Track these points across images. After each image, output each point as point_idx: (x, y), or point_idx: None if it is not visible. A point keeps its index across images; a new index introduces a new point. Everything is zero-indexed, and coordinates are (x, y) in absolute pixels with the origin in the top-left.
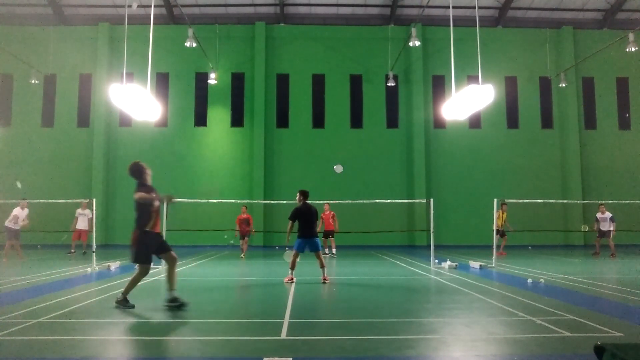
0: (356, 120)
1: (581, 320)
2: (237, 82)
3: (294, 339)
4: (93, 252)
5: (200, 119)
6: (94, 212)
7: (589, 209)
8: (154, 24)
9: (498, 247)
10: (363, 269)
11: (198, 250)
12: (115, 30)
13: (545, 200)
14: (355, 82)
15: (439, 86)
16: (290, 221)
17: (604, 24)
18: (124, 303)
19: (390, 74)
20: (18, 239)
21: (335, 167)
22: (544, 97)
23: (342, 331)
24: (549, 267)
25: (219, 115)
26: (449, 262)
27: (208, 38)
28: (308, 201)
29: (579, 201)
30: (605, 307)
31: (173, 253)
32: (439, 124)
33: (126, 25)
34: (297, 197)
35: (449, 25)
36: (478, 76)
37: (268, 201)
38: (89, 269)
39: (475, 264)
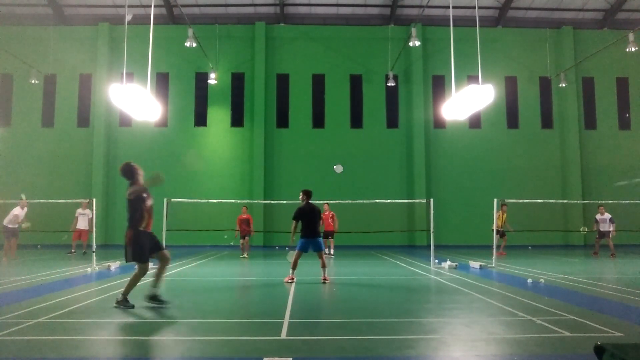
0: (356, 120)
1: (581, 320)
2: (237, 82)
3: (294, 339)
4: (93, 252)
5: (200, 119)
6: (94, 212)
7: (589, 209)
8: (154, 24)
9: (498, 247)
10: (363, 269)
11: (198, 250)
12: (115, 30)
13: (545, 200)
14: (355, 82)
15: (439, 86)
16: (294, 221)
17: (604, 24)
18: (124, 303)
19: (390, 74)
20: (17, 238)
21: (335, 167)
22: (544, 97)
23: (342, 331)
24: (549, 267)
25: (219, 115)
26: (449, 262)
27: (208, 38)
28: (311, 201)
29: (579, 201)
30: (605, 307)
31: (166, 252)
32: (439, 124)
33: (126, 25)
34: (301, 197)
35: (449, 25)
36: (478, 76)
37: (268, 201)
38: (89, 269)
39: (475, 264)
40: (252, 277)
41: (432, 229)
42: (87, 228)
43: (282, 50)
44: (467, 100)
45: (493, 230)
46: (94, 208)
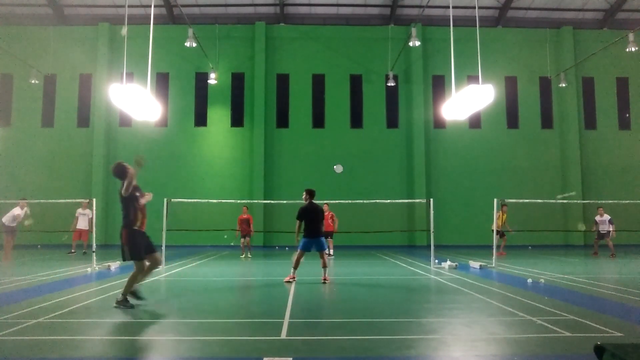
0: (356, 120)
1: (581, 320)
2: (237, 82)
3: (294, 339)
4: (93, 252)
5: (200, 119)
6: (94, 212)
7: (589, 209)
8: (154, 24)
9: (498, 247)
10: (363, 269)
11: (198, 250)
12: (115, 30)
13: (545, 200)
14: (355, 82)
15: (439, 86)
16: (298, 221)
17: (604, 24)
18: (124, 303)
19: (390, 74)
20: (14, 236)
21: (335, 167)
22: (544, 97)
23: (342, 331)
24: (549, 267)
25: (219, 115)
26: (449, 262)
27: (208, 38)
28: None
29: (579, 201)
30: (605, 307)
31: (158, 255)
32: (439, 124)
33: (126, 25)
34: (304, 196)
35: (449, 25)
36: (478, 76)
37: (268, 201)
38: (89, 269)
39: (475, 264)
40: (252, 277)
41: (432, 229)
42: (87, 228)
43: (282, 50)
44: (467, 100)
45: (493, 230)
46: (94, 208)
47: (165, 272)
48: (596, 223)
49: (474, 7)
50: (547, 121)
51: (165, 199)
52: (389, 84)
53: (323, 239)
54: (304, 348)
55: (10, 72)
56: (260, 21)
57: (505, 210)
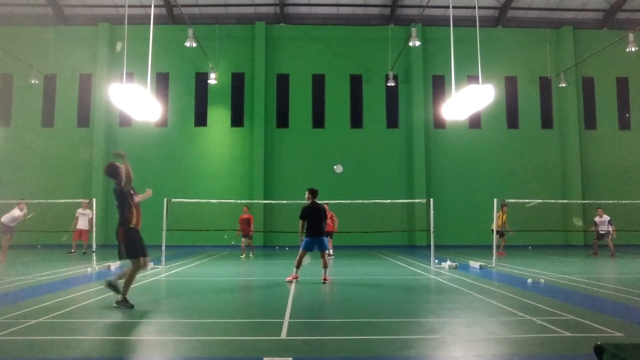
0: (356, 120)
1: (581, 320)
2: (237, 82)
3: (294, 339)
4: (93, 252)
5: (200, 119)
6: (94, 212)
7: (589, 209)
8: (154, 24)
9: (498, 247)
10: (363, 269)
11: (198, 250)
12: (115, 30)
13: (545, 200)
14: (355, 82)
15: (439, 86)
16: (301, 220)
17: (604, 24)
18: (123, 303)
19: (390, 74)
20: (11, 236)
21: (335, 167)
22: (544, 97)
23: (342, 331)
24: (549, 267)
25: (219, 115)
26: (449, 262)
27: (208, 38)
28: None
29: (579, 201)
30: (605, 307)
31: (147, 260)
32: (439, 124)
33: (126, 25)
34: (307, 196)
35: (449, 25)
36: (478, 76)
37: (268, 201)
38: (89, 269)
39: (475, 264)
40: (252, 277)
41: (432, 229)
42: (87, 228)
43: (282, 50)
44: (467, 100)
45: (493, 230)
46: (94, 208)
47: (165, 272)
48: (595, 224)
49: (474, 7)
50: (547, 121)
51: (165, 199)
52: (389, 84)
53: (325, 238)
54: (304, 348)
55: (10, 72)
56: (260, 21)
57: (505, 211)
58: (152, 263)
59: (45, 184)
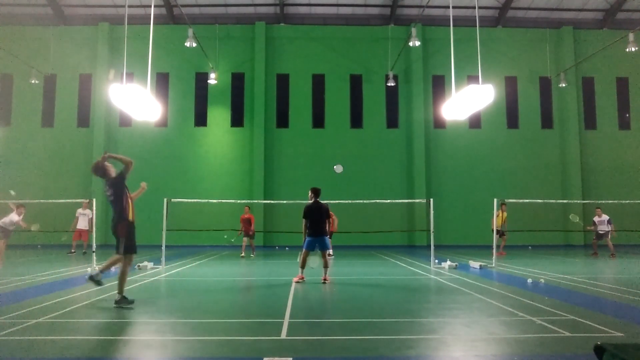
0: (356, 120)
1: (581, 320)
2: (237, 82)
3: (294, 339)
4: (93, 252)
5: (200, 119)
6: (94, 212)
7: (589, 209)
8: (154, 24)
9: (498, 247)
10: (363, 269)
11: (198, 250)
12: (115, 30)
13: (545, 200)
14: (355, 82)
15: (439, 86)
16: (304, 219)
17: (604, 24)
18: (123, 301)
19: (390, 74)
20: (7, 238)
21: (335, 167)
22: (544, 97)
23: (342, 331)
24: (549, 267)
25: (219, 115)
26: (449, 262)
27: (208, 38)
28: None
29: (579, 201)
30: (605, 307)
31: (132, 258)
32: (439, 124)
33: (126, 25)
34: (309, 195)
35: (449, 25)
36: (478, 76)
37: (268, 201)
38: (89, 269)
39: (475, 264)
40: (252, 277)
41: (432, 229)
42: (87, 228)
43: (282, 50)
44: (467, 100)
45: (493, 229)
46: (94, 208)
47: (165, 272)
48: (594, 224)
49: (474, 7)
50: (547, 121)
51: (165, 199)
52: (389, 84)
53: (326, 238)
54: (304, 348)
55: (10, 72)
56: (260, 21)
57: (505, 209)
58: (152, 263)
59: (45, 184)
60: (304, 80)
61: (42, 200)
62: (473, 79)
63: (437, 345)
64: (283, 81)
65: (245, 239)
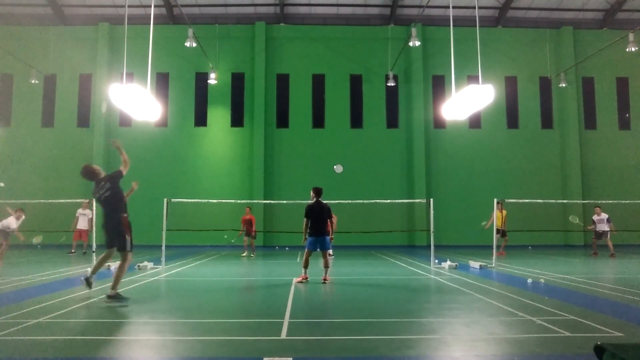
0: (356, 120)
1: (581, 320)
2: (237, 82)
3: (294, 339)
4: (93, 252)
5: (200, 119)
6: (94, 212)
7: (589, 209)
8: (154, 24)
9: (498, 247)
10: (363, 269)
11: (198, 250)
12: (115, 30)
13: (545, 200)
14: (355, 82)
15: (439, 86)
16: (305, 219)
17: (604, 24)
18: (117, 297)
19: (390, 74)
20: (7, 241)
21: (335, 167)
22: (544, 97)
23: (342, 331)
24: (549, 267)
25: (219, 115)
26: (449, 262)
27: (208, 38)
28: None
29: (579, 201)
30: (605, 307)
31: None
32: (439, 124)
33: (126, 25)
34: (311, 195)
35: (449, 25)
36: (478, 76)
37: (268, 201)
38: (89, 269)
39: (475, 264)
40: (252, 277)
41: (432, 229)
42: (87, 228)
43: (282, 50)
44: (467, 100)
45: (491, 224)
46: (94, 208)
47: (165, 272)
48: (594, 222)
49: (474, 7)
50: (547, 121)
51: (165, 199)
52: (389, 84)
53: (327, 237)
54: (304, 348)
55: (10, 72)
56: (260, 21)
57: (501, 208)
58: (152, 263)
59: (45, 184)
60: (304, 80)
61: (42, 200)
62: (473, 79)
63: (437, 345)
64: (283, 81)
65: (246, 238)
